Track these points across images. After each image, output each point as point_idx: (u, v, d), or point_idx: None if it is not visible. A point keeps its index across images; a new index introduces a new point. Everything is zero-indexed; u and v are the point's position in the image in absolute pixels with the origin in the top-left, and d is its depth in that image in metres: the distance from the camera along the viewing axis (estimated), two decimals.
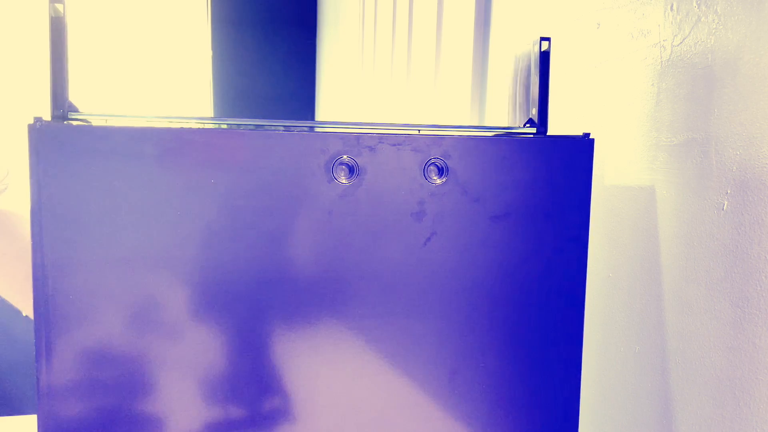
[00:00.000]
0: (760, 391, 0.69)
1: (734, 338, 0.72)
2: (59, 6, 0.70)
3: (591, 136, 0.78)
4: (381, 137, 0.73)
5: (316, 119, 3.66)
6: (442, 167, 0.74)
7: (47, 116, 0.70)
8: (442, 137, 0.74)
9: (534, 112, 0.82)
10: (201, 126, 0.73)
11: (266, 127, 0.74)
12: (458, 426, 0.79)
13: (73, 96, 0.74)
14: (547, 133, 0.81)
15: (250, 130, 0.72)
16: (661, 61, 0.83)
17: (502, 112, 1.26)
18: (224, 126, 0.75)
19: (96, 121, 0.74)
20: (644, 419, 0.87)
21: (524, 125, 0.84)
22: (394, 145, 0.73)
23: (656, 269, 0.84)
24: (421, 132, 0.75)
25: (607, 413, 0.94)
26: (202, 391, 0.73)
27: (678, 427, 0.81)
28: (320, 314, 0.74)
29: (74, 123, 0.71)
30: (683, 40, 0.79)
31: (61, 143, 0.67)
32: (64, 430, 0.70)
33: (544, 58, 0.80)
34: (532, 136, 0.81)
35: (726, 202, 0.73)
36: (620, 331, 0.92)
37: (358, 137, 0.72)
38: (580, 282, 0.79)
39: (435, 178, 0.74)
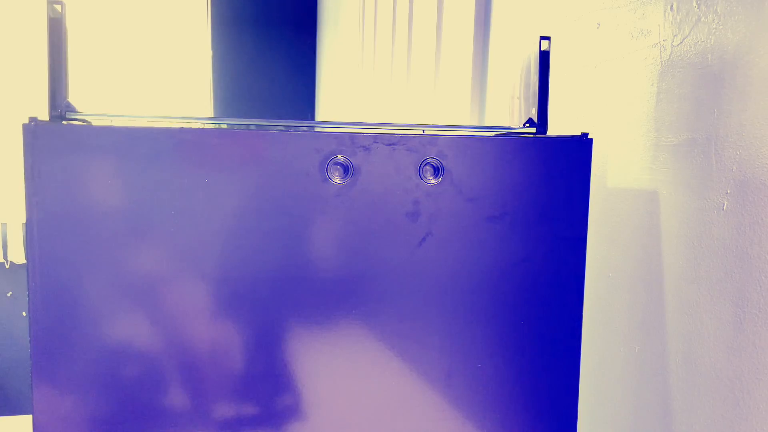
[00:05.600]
0: (761, 391, 0.69)
1: (734, 338, 0.72)
2: (57, 6, 0.70)
3: (589, 136, 0.78)
4: (375, 137, 0.72)
5: (316, 119, 3.66)
6: (438, 167, 0.74)
7: (45, 116, 0.70)
8: (437, 137, 0.74)
9: (534, 112, 0.82)
10: (200, 126, 0.73)
11: (263, 127, 0.74)
12: (454, 427, 0.78)
13: (74, 96, 0.74)
14: (547, 133, 0.81)
15: (243, 130, 0.72)
16: (661, 61, 0.83)
17: (502, 111, 1.26)
18: (224, 126, 0.75)
19: (95, 121, 0.74)
20: (644, 419, 0.87)
21: (524, 125, 0.84)
22: (389, 144, 0.73)
23: (656, 269, 0.84)
24: (419, 132, 0.75)
25: (607, 414, 0.94)
26: (205, 389, 0.73)
27: (678, 427, 0.81)
28: (311, 315, 0.74)
29: (72, 123, 0.71)
30: (683, 40, 0.79)
31: (56, 143, 0.67)
32: (60, 429, 0.70)
33: (544, 57, 0.80)
34: (531, 135, 0.81)
35: (726, 202, 0.73)
36: (620, 330, 0.91)
37: (353, 137, 0.72)
38: (578, 282, 0.79)
39: (430, 177, 0.74)
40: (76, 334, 0.69)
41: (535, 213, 0.76)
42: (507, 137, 0.78)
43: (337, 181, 0.72)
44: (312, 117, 3.83)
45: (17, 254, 3.02)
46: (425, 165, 0.74)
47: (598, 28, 0.96)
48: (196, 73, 3.70)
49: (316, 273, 0.73)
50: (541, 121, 0.81)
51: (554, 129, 0.91)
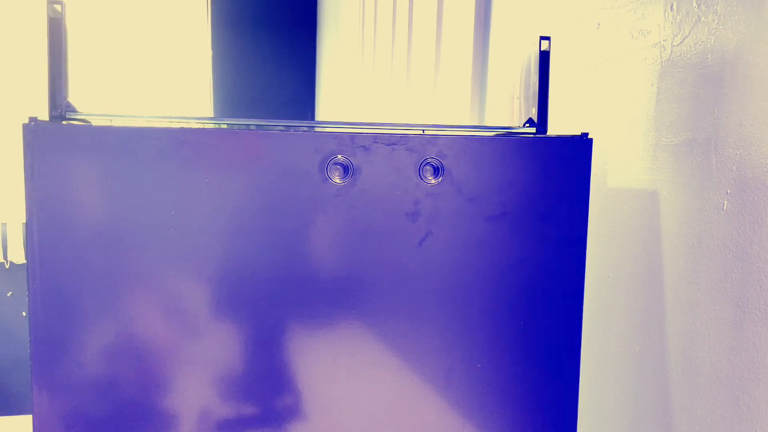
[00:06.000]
0: (760, 391, 0.69)
1: (734, 338, 0.72)
2: (57, 6, 0.70)
3: (589, 136, 0.78)
4: (375, 137, 0.72)
5: (316, 119, 3.66)
6: (438, 167, 0.74)
7: (46, 116, 0.70)
8: (437, 137, 0.74)
9: (534, 112, 0.82)
10: (200, 126, 0.73)
11: (263, 127, 0.74)
12: (454, 427, 0.78)
13: (74, 96, 0.74)
14: (547, 133, 0.81)
15: (243, 130, 0.72)
16: (661, 61, 0.83)
17: (502, 111, 1.26)
18: (224, 126, 0.75)
19: (95, 121, 0.74)
20: (644, 419, 0.87)
21: (524, 125, 0.84)
22: (389, 144, 0.73)
23: (656, 269, 0.84)
24: (419, 132, 0.75)
25: (607, 414, 0.94)
26: (205, 389, 0.73)
27: (678, 427, 0.81)
28: (311, 315, 0.74)
29: (72, 123, 0.71)
30: (683, 40, 0.79)
31: (55, 143, 0.67)
32: (60, 429, 0.70)
33: (544, 57, 0.80)
34: (531, 135, 0.81)
35: (726, 202, 0.73)
36: (620, 330, 0.91)
37: (353, 137, 0.72)
38: (578, 281, 0.79)
39: (430, 177, 0.74)
40: (76, 334, 0.69)
41: (535, 213, 0.76)
42: (507, 137, 0.78)
43: (337, 181, 0.72)
44: (312, 117, 3.83)
45: (17, 254, 3.02)
46: (425, 165, 0.74)
47: (598, 28, 0.96)
48: (196, 73, 3.70)
49: (316, 273, 0.73)
50: (541, 121, 0.81)
51: (554, 129, 0.91)
